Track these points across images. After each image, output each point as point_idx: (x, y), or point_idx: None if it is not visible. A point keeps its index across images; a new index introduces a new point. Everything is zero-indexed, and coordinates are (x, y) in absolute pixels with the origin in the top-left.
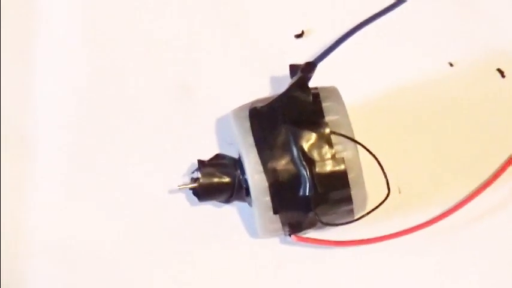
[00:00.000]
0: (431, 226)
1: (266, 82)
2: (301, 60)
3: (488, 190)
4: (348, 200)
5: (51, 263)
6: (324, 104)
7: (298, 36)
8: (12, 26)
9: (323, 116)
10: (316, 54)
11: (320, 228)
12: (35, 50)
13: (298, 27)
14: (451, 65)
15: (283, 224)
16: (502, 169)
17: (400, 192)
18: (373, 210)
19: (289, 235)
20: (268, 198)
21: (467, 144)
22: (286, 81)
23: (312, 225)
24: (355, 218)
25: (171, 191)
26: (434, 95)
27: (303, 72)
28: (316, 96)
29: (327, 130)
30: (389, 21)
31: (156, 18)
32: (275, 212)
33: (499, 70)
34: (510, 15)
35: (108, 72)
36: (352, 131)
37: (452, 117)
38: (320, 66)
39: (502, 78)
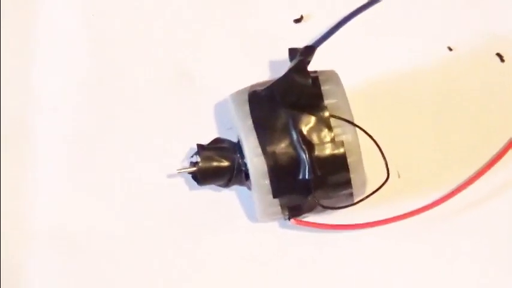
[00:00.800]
0: (430, 210)
1: (265, 67)
2: (300, 44)
3: (488, 175)
4: (347, 183)
5: (51, 252)
6: (323, 88)
7: (297, 21)
8: (12, 21)
9: (322, 100)
10: (315, 38)
11: (319, 212)
12: (34, 40)
13: (297, 12)
14: (450, 49)
15: (282, 207)
16: (501, 153)
17: (399, 177)
18: (372, 193)
19: (289, 219)
20: (267, 182)
21: (466, 128)
22: (285, 66)
23: (311, 208)
24: (355, 201)
25: (170, 176)
26: (434, 80)
27: (302, 55)
28: (315, 79)
29: (326, 113)
30: (388, 6)
31: (156, 6)
32: (274, 195)
33: (498, 54)
34: (509, 0)
35: (108, 59)
36: (351, 114)
37: (452, 102)
38: (319, 50)
39: (501, 63)
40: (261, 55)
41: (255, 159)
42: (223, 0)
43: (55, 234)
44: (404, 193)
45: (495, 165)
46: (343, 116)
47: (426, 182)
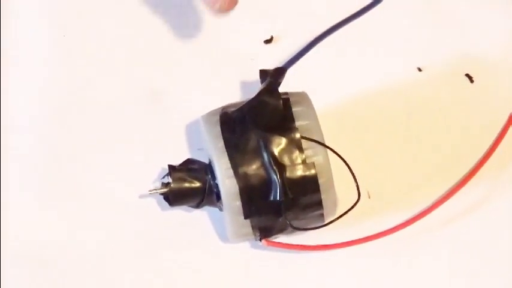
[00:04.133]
0: (401, 230)
1: (236, 87)
2: (271, 65)
3: (458, 194)
4: (319, 204)
5: (21, 268)
6: (294, 109)
7: (268, 41)
8: None
9: (293, 121)
10: (286, 59)
11: (290, 232)
12: (5, 59)
13: (268, 33)
14: (419, 69)
15: (253, 228)
16: (472, 172)
17: (369, 197)
18: (342, 215)
19: (260, 239)
20: (239, 203)
21: (436, 148)
22: (256, 86)
23: (282, 229)
24: (325, 222)
25: (141, 196)
26: (404, 100)
27: (272, 77)
28: (286, 101)
29: (297, 135)
30: (358, 27)
31: (127, 26)
32: (246, 216)
33: (467, 75)
34: (478, 21)
35: (79, 79)
36: (322, 136)
37: (421, 122)
38: (290, 71)
39: (470, 84)
40: (231, 75)
41: (226, 181)
42: (194, 20)
43: (23, 253)
44: (374, 213)
45: (465, 184)
46: (314, 138)
47: (396, 202)
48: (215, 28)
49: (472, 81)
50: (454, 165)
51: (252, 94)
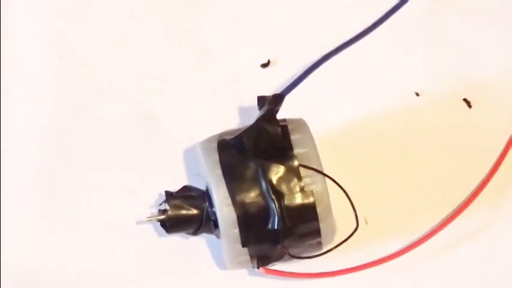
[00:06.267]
0: (399, 257)
1: (233, 111)
2: (267, 89)
3: (456, 221)
4: (317, 232)
5: None
6: (293, 137)
7: (264, 65)
8: None
9: (292, 149)
10: (282, 83)
11: (288, 260)
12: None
13: (264, 57)
14: (417, 94)
15: (251, 256)
16: (470, 199)
17: (367, 223)
18: (341, 243)
19: (258, 267)
20: (236, 231)
21: (434, 174)
22: (253, 110)
23: (280, 257)
24: (323, 250)
25: (139, 222)
26: (401, 125)
27: (270, 104)
28: (284, 128)
29: (296, 163)
30: (356, 52)
31: (124, 49)
32: (243, 244)
33: (465, 100)
34: (476, 45)
35: (76, 103)
36: (320, 163)
37: (419, 147)
38: (287, 97)
39: (468, 109)
40: (228, 99)
41: (224, 209)
42: (192, 45)
43: (20, 276)
44: (372, 240)
45: (465, 210)
46: (312, 165)
47: (394, 228)
48: (212, 51)
49: (470, 106)
50: (452, 191)
51: (249, 118)
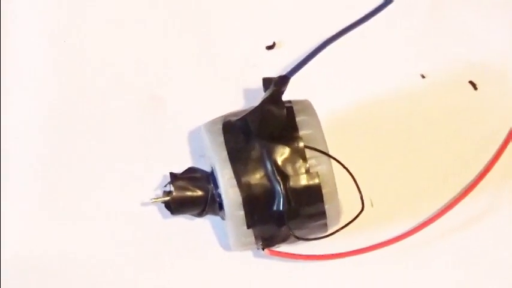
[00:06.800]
0: (405, 239)
1: (238, 93)
2: (272, 71)
3: (462, 203)
4: (322, 214)
5: (21, 278)
6: (298, 118)
7: (270, 47)
8: None
9: (297, 130)
10: (288, 65)
11: (293, 242)
12: (3, 65)
13: (270, 39)
14: (423, 76)
15: (256, 237)
16: (476, 182)
17: (372, 205)
18: (346, 225)
19: (262, 249)
20: (242, 213)
21: (440, 156)
22: (258, 92)
23: (285, 239)
24: (329, 232)
25: (143, 204)
26: (407, 107)
27: (276, 85)
28: (289, 110)
29: (301, 144)
30: (361, 34)
31: (127, 32)
32: (249, 226)
33: (471, 82)
34: (483, 28)
35: (80, 85)
36: (326, 145)
37: (425, 130)
38: (293, 79)
39: (474, 91)
40: (233, 81)
41: (229, 191)
42: (196, 27)
43: (26, 260)
44: (377, 222)
45: (469, 193)
46: (317, 147)
47: (400, 211)
48: (217, 34)
49: (475, 88)
50: (457, 174)
51: (253, 100)
